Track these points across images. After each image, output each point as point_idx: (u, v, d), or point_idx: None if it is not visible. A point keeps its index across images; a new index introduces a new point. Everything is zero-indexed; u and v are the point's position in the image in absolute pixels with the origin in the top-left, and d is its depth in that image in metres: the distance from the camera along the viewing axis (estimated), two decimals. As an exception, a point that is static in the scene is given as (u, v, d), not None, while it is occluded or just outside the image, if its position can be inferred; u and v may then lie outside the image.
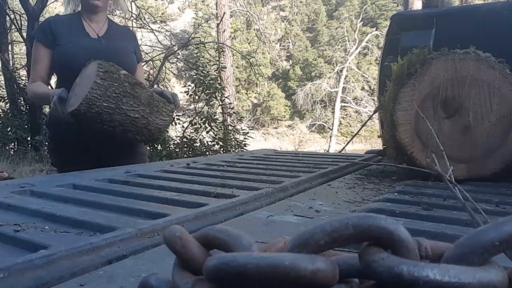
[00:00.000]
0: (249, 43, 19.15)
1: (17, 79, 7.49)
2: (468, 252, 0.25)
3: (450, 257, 0.26)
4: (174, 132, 5.96)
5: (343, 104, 17.11)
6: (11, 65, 8.10)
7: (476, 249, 0.25)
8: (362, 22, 19.24)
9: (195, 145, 5.56)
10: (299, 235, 0.27)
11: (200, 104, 6.19)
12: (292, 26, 21.35)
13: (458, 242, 0.26)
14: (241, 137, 6.04)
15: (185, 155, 5.30)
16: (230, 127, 6.01)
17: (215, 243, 0.30)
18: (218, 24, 9.76)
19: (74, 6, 1.81)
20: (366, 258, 0.26)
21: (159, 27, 10.16)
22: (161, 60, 6.67)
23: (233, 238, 0.29)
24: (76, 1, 1.78)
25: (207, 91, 5.69)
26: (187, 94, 5.80)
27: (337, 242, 0.26)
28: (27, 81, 7.44)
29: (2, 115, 7.44)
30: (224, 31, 9.54)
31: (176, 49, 7.51)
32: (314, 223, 0.62)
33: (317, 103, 19.02)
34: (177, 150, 5.42)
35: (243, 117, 11.69)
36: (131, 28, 4.71)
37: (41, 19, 5.89)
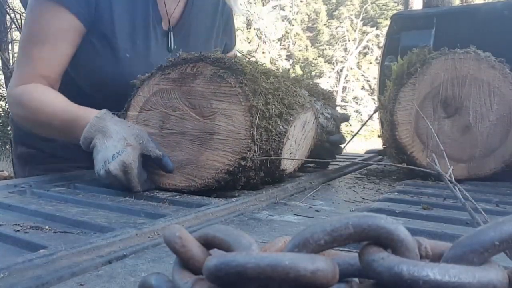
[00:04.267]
0: (249, 43, 19.15)
1: (17, 78, 7.47)
2: (468, 251, 0.25)
3: (450, 257, 0.26)
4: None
5: (343, 103, 17.11)
6: (11, 64, 8.10)
7: (476, 248, 0.25)
8: (362, 22, 19.24)
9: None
10: (299, 235, 0.27)
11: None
12: (292, 25, 21.35)
13: (458, 241, 0.26)
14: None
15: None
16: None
17: (215, 243, 0.30)
18: (218, 24, 9.75)
19: None
20: (366, 258, 0.26)
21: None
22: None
23: (233, 238, 0.29)
24: None
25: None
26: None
27: (337, 242, 0.26)
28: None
29: (2, 114, 7.45)
30: (224, 30, 9.53)
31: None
32: (314, 222, 0.62)
33: (317, 102, 18.97)
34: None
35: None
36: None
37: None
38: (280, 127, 0.81)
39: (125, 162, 0.77)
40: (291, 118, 0.83)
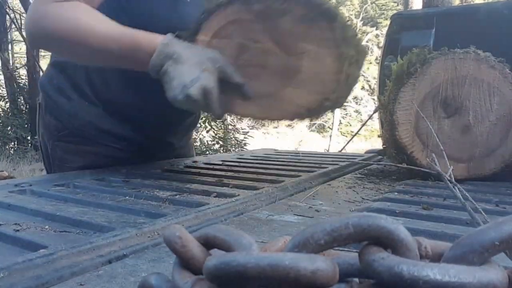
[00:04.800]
0: (249, 43, 19.08)
1: (17, 78, 7.49)
2: (468, 251, 0.25)
3: (450, 257, 0.26)
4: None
5: (343, 103, 17.07)
6: (11, 64, 8.10)
7: (476, 248, 0.25)
8: (362, 22, 19.23)
9: (195, 144, 5.57)
10: (299, 235, 0.27)
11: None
12: (292, 25, 21.31)
13: (458, 241, 0.26)
14: (241, 137, 6.03)
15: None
16: (230, 127, 6.01)
17: (215, 243, 0.30)
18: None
19: None
20: (366, 258, 0.26)
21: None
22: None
23: (233, 238, 0.29)
24: None
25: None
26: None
27: (337, 242, 0.26)
28: (27, 80, 7.37)
29: (2, 114, 7.45)
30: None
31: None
32: (314, 222, 0.62)
33: (317, 102, 18.93)
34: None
35: (243, 117, 11.66)
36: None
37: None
38: (356, 72, 0.83)
39: (206, 86, 0.73)
40: (360, 64, 0.85)
